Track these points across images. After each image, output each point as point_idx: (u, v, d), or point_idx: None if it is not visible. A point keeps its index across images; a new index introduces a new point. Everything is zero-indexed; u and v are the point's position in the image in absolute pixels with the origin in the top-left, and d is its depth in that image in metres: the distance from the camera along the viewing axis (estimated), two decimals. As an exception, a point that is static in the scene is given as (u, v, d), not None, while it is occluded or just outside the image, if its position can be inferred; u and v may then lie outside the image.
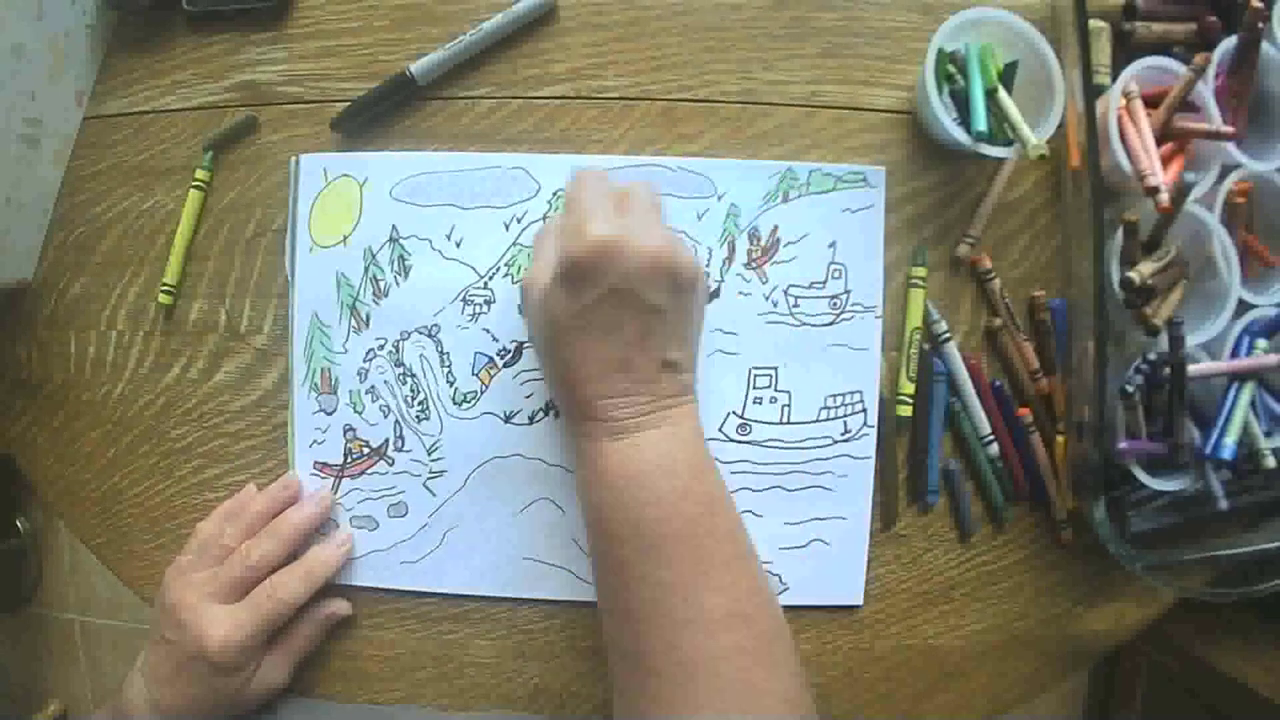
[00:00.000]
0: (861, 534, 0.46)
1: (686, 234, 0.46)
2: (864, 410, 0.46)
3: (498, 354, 0.46)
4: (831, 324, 0.46)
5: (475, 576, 0.47)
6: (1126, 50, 0.44)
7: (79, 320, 0.50)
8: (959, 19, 0.42)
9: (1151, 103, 0.43)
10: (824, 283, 0.46)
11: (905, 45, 0.47)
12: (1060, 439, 0.46)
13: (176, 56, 0.49)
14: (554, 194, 0.46)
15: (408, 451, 0.47)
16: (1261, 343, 0.44)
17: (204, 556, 0.44)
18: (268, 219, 0.48)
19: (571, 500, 0.46)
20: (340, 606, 0.47)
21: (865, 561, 0.47)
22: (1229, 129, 0.42)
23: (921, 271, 0.46)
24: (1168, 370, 0.42)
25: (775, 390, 0.46)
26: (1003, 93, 0.42)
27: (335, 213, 0.47)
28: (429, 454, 0.47)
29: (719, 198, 0.46)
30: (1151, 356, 0.42)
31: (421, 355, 0.47)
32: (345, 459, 0.47)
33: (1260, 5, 0.41)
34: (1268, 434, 0.44)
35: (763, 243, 0.46)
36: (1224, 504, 0.44)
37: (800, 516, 0.46)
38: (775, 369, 0.46)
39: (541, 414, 0.46)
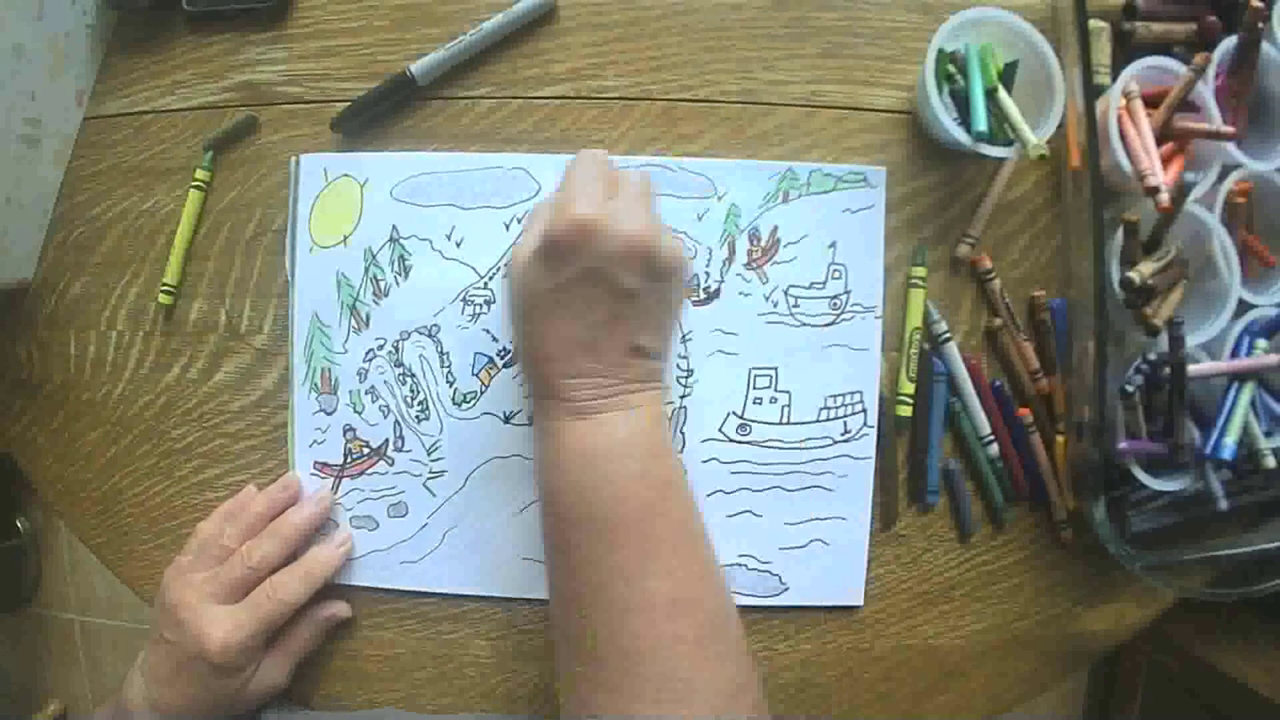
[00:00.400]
0: (861, 534, 0.46)
1: (686, 234, 0.46)
2: (864, 410, 0.46)
3: (498, 354, 0.46)
4: (831, 324, 0.46)
5: (475, 576, 0.47)
6: (1126, 50, 0.44)
7: (79, 320, 0.50)
8: (959, 19, 0.42)
9: (1151, 103, 0.43)
10: (824, 283, 0.46)
11: (905, 45, 0.47)
12: (1060, 439, 0.46)
13: (176, 56, 0.49)
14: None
15: (407, 452, 0.47)
16: (1261, 343, 0.44)
17: (204, 557, 0.44)
18: (268, 219, 0.48)
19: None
20: (340, 608, 0.47)
21: (865, 561, 0.47)
22: (1229, 129, 0.42)
23: (921, 271, 0.46)
24: (1168, 370, 0.42)
25: (775, 390, 0.46)
26: (1003, 93, 0.42)
27: (335, 213, 0.47)
28: (429, 454, 0.47)
29: (719, 198, 0.46)
30: (1151, 356, 0.42)
31: (421, 355, 0.47)
32: (345, 459, 0.47)
33: (1260, 5, 0.41)
34: (1268, 434, 0.44)
35: (763, 243, 0.46)
36: (1224, 504, 0.44)
37: (800, 516, 0.46)
38: (775, 369, 0.46)
39: (541, 414, 0.46)
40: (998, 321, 0.47)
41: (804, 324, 0.46)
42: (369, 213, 0.47)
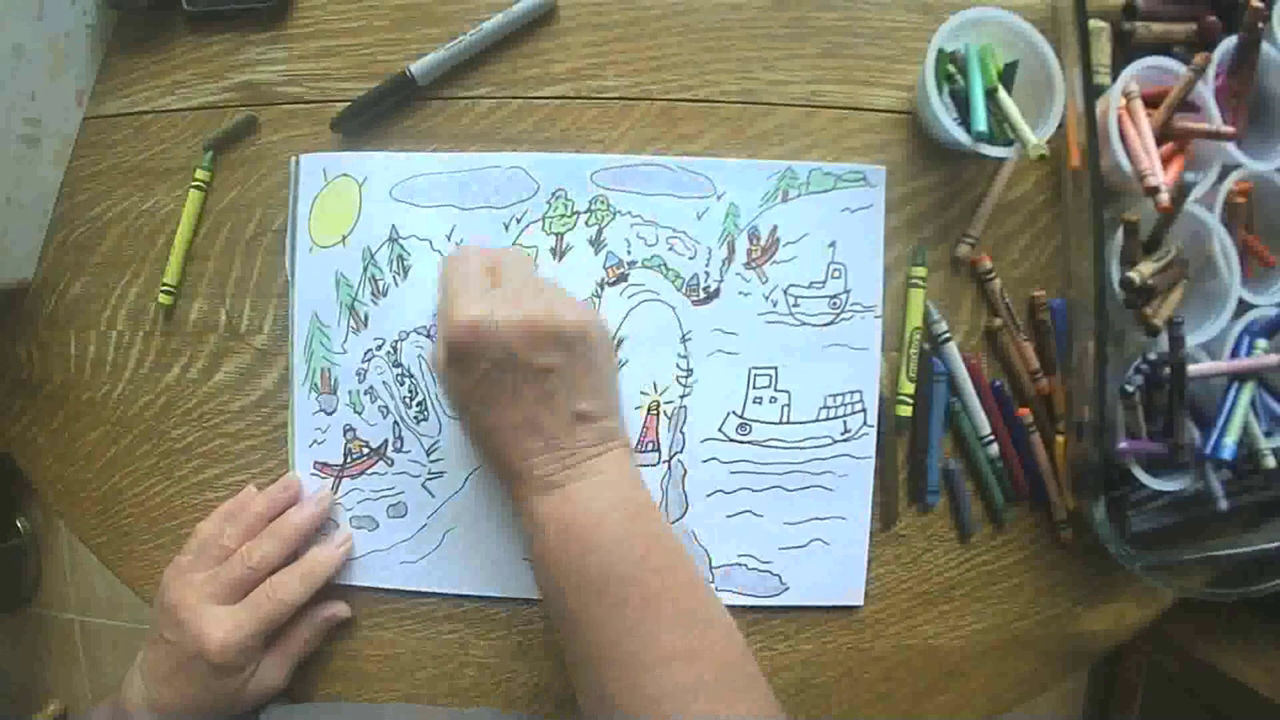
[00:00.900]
0: (861, 534, 0.46)
1: (686, 234, 0.46)
2: (864, 410, 0.46)
3: (497, 354, 0.46)
4: (831, 324, 0.46)
5: (474, 577, 0.47)
6: (1126, 50, 0.44)
7: (79, 320, 0.50)
8: (959, 19, 0.42)
9: (1151, 103, 0.43)
10: (824, 282, 0.46)
11: (905, 45, 0.47)
12: (1060, 439, 0.46)
13: (176, 56, 0.49)
14: (553, 194, 0.46)
15: (406, 452, 0.47)
16: (1261, 343, 0.44)
17: (203, 557, 0.44)
18: (268, 219, 0.48)
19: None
20: (340, 609, 0.47)
21: (865, 561, 0.47)
22: (1229, 129, 0.42)
23: (921, 271, 0.46)
24: (1168, 370, 0.42)
25: (775, 390, 0.46)
26: (1003, 93, 0.42)
27: (334, 213, 0.47)
28: (428, 455, 0.47)
29: (719, 197, 0.46)
30: (1151, 356, 0.42)
31: (420, 356, 0.46)
32: (345, 459, 0.47)
33: (1260, 5, 0.41)
34: (1268, 434, 0.44)
35: (762, 242, 0.46)
36: (1224, 504, 0.44)
37: (800, 516, 0.46)
38: (775, 369, 0.46)
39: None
40: (998, 321, 0.47)
41: (804, 323, 0.46)
42: (367, 213, 0.47)
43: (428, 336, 0.46)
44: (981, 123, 0.41)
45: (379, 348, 0.47)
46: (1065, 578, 0.48)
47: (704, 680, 0.35)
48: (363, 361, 0.47)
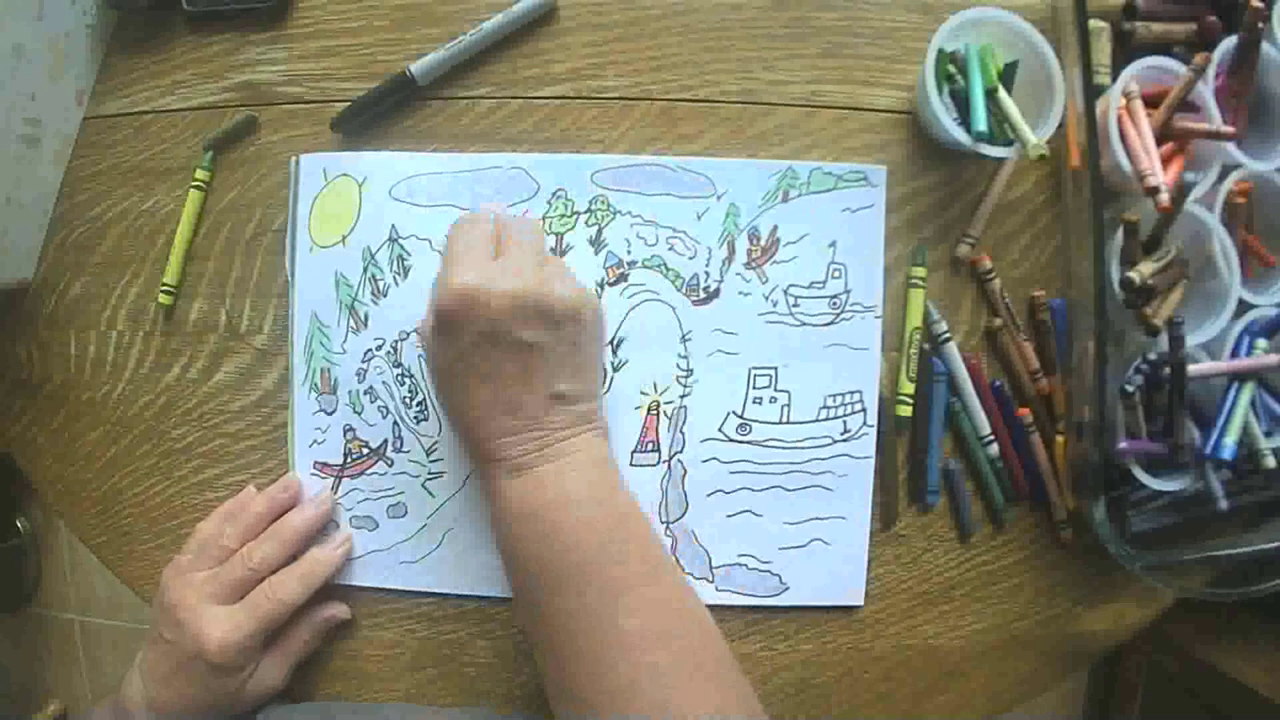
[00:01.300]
0: (861, 534, 0.46)
1: (687, 234, 0.46)
2: (864, 410, 0.46)
3: (497, 354, 0.46)
4: (831, 324, 0.46)
5: (474, 577, 0.47)
6: (1126, 50, 0.44)
7: (79, 320, 0.50)
8: (959, 19, 0.42)
9: (1151, 103, 0.43)
10: (824, 282, 0.46)
11: (905, 45, 0.47)
12: (1060, 439, 0.46)
13: (176, 56, 0.49)
14: (553, 194, 0.46)
15: (406, 452, 0.47)
16: (1261, 343, 0.44)
17: (203, 557, 0.44)
18: (268, 219, 0.48)
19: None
20: (339, 610, 0.47)
21: (865, 561, 0.47)
22: (1229, 129, 0.42)
23: (921, 271, 0.46)
24: (1168, 370, 0.42)
25: (775, 390, 0.46)
26: (1003, 93, 0.42)
27: (334, 213, 0.47)
28: (428, 455, 0.47)
29: (719, 197, 0.46)
30: (1151, 356, 0.42)
31: (420, 356, 0.46)
32: (345, 459, 0.47)
33: (1260, 5, 0.41)
34: (1268, 434, 0.44)
35: (762, 242, 0.46)
36: (1224, 504, 0.44)
37: (800, 516, 0.46)
38: (775, 369, 0.46)
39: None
40: (998, 321, 0.47)
41: (804, 323, 0.46)
42: (367, 213, 0.47)
43: (428, 336, 0.46)
44: (981, 123, 0.41)
45: (379, 348, 0.47)
46: (1065, 578, 0.48)
47: (667, 666, 0.35)
48: (363, 361, 0.47)
